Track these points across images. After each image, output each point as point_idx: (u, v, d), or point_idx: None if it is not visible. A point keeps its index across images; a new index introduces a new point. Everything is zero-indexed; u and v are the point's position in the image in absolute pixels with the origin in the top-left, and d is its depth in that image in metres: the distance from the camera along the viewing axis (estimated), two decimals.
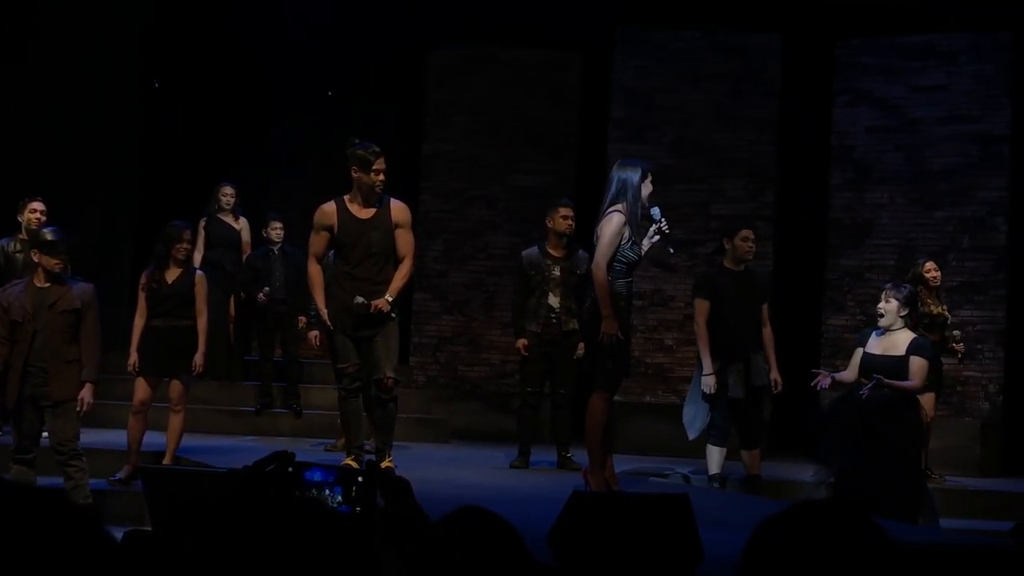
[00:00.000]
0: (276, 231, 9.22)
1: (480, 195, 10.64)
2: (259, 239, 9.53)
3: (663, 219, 6.23)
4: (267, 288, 9.10)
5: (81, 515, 1.35)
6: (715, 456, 7.50)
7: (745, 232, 7.62)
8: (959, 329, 8.43)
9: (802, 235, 10.34)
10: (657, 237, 6.22)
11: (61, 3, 9.68)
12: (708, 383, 7.36)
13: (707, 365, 7.37)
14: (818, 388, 6.97)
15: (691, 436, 7.58)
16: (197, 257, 8.80)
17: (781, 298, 10.05)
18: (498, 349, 10.45)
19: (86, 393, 6.19)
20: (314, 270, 6.47)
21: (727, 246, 7.63)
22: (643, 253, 6.20)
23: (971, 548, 5.00)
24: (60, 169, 9.39)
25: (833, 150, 10.09)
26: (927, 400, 8.05)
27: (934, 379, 8.18)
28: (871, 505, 6.29)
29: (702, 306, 7.50)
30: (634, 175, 6.03)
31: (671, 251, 6.55)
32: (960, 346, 8.26)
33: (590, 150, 10.48)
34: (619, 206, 6.00)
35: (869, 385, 6.61)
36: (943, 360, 8.40)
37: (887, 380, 6.64)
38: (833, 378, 6.94)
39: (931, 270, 8.25)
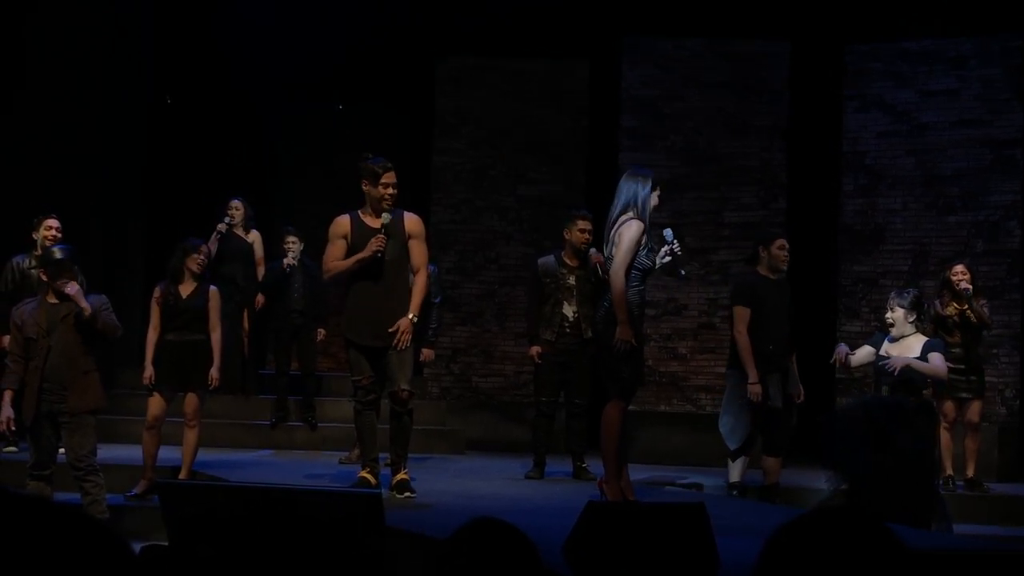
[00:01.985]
0: (291, 244, 9.23)
1: (490, 205, 10.66)
2: (276, 252, 9.53)
3: (675, 240, 6.19)
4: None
5: (100, 529, 1.36)
6: (739, 464, 7.42)
7: (781, 241, 7.53)
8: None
9: (815, 241, 10.32)
10: (668, 258, 6.18)
11: (69, 23, 9.72)
12: (755, 392, 7.17)
13: (752, 374, 7.18)
14: (838, 361, 6.94)
15: (732, 447, 7.41)
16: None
17: (795, 305, 10.04)
18: (512, 359, 10.45)
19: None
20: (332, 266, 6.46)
21: (762, 254, 7.53)
22: (656, 267, 6.17)
23: (985, 553, 4.98)
24: (70, 185, 9.44)
25: (844, 156, 10.08)
26: (946, 407, 8.04)
27: (974, 384, 8.17)
28: (883, 510, 6.27)
29: (743, 313, 7.32)
30: (643, 186, 6.03)
31: (682, 273, 6.48)
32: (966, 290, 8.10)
33: (599, 159, 10.49)
34: (630, 214, 6.00)
35: (895, 367, 6.62)
36: (983, 368, 8.42)
37: (914, 361, 6.64)
38: (848, 355, 6.92)
39: (958, 273, 8.23)
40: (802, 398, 7.51)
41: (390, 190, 6.28)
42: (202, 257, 7.26)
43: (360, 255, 6.25)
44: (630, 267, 5.93)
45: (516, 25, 10.49)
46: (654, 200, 6.05)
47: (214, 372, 7.16)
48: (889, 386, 6.74)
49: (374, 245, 6.22)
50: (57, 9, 9.68)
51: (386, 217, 6.24)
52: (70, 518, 1.33)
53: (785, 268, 7.58)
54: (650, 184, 6.03)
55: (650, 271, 6.06)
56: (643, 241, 5.97)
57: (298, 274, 9.23)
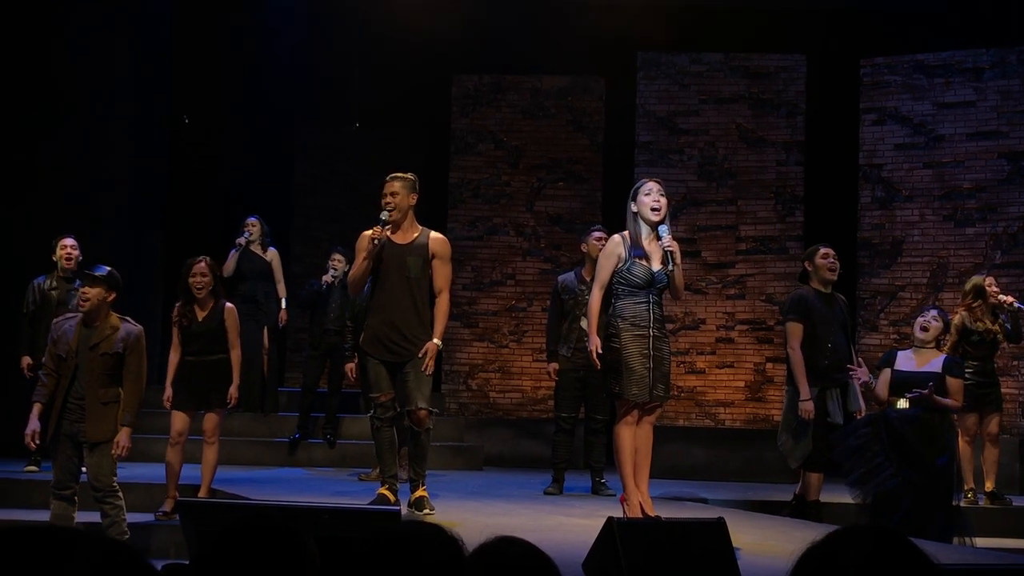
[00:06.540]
0: (336, 262, 9.18)
1: (507, 222, 10.68)
2: (295, 270, 9.53)
3: (664, 236, 6.00)
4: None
5: (123, 552, 1.36)
6: (815, 483, 7.21)
7: (824, 250, 7.31)
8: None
9: None
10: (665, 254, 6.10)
11: (88, 41, 9.78)
12: (806, 409, 7.00)
13: (804, 391, 7.01)
14: (854, 378, 6.87)
15: (793, 465, 7.24)
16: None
17: (851, 317, 10.00)
18: (529, 375, 10.45)
19: (122, 437, 6.19)
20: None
21: (809, 268, 7.33)
22: (665, 273, 6.01)
23: (1010, 568, 4.94)
24: (90, 207, 9.48)
25: (861, 169, 10.07)
26: (969, 421, 7.99)
27: (993, 397, 8.12)
28: (906, 525, 6.24)
29: (796, 328, 7.12)
30: (629, 203, 6.00)
31: (670, 267, 6.19)
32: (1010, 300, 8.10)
33: (616, 174, 10.50)
34: (625, 232, 5.98)
35: (914, 394, 6.59)
36: (999, 378, 8.39)
37: (934, 394, 6.61)
38: (869, 383, 6.84)
39: (992, 284, 8.17)
40: (863, 414, 7.22)
41: (387, 198, 6.46)
42: (199, 277, 7.14)
43: (366, 251, 6.37)
44: (608, 280, 5.89)
45: (532, 42, 10.52)
46: (643, 203, 5.90)
47: (233, 391, 7.16)
48: (908, 399, 6.71)
49: (372, 235, 6.32)
50: (78, 28, 9.74)
51: (384, 215, 6.39)
52: (90, 543, 1.33)
53: (834, 277, 7.30)
54: (630, 195, 6.00)
55: (640, 286, 5.89)
56: (622, 254, 5.89)
57: (336, 293, 9.16)
